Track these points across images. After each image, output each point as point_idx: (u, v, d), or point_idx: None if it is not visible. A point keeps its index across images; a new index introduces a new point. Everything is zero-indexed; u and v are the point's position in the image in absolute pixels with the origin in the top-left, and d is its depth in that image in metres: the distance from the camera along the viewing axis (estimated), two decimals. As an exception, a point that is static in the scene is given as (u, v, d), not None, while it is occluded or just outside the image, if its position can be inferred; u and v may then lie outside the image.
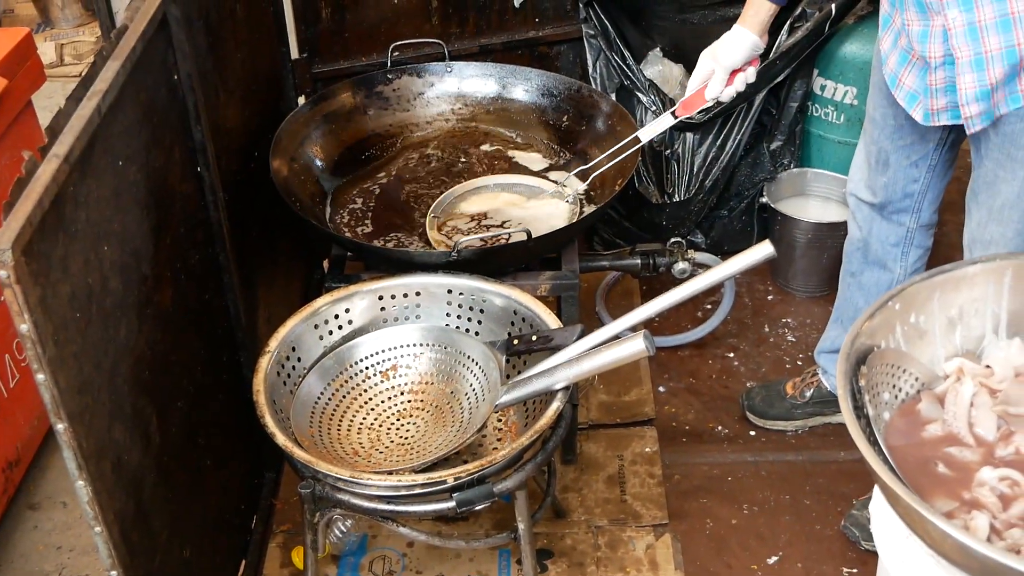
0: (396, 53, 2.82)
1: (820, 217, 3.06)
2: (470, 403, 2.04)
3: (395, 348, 2.13)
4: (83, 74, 1.61)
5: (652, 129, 2.42)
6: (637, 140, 2.43)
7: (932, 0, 1.90)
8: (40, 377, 1.38)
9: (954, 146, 2.21)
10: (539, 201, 2.46)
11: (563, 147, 2.67)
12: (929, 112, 2.01)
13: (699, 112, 2.95)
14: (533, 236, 2.19)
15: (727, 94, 2.29)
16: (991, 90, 1.90)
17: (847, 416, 1.47)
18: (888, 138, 2.21)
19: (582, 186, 2.47)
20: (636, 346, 1.81)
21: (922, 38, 1.95)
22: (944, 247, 3.05)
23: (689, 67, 3.10)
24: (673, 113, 2.36)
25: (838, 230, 2.87)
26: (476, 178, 2.54)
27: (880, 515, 1.62)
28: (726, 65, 2.25)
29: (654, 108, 2.95)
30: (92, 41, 4.65)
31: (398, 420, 2.06)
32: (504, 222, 2.40)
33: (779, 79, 2.97)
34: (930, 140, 2.18)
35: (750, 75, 2.27)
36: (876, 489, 1.64)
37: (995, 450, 1.58)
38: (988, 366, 1.69)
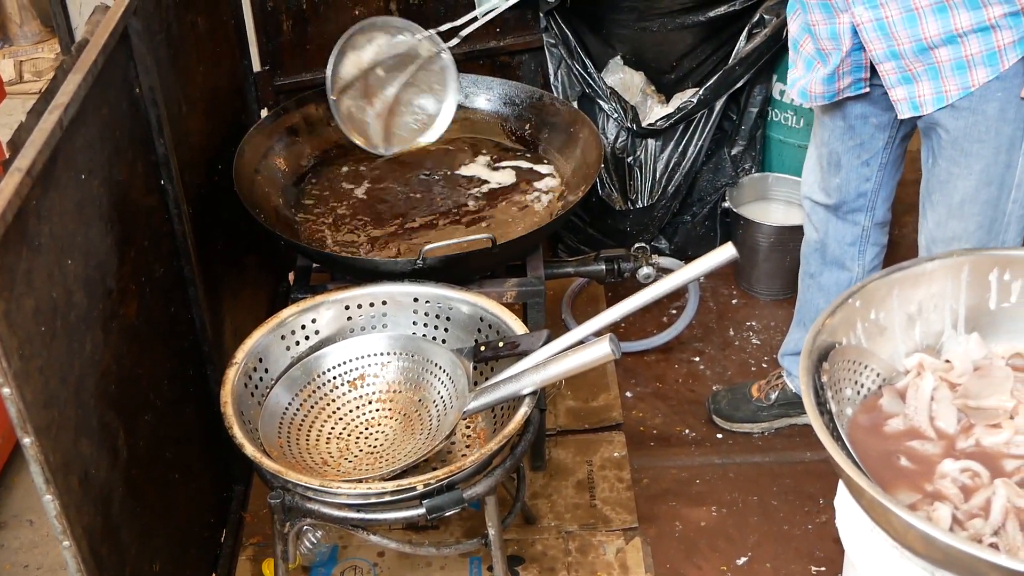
0: (358, 65, 2.83)
1: (782, 221, 3.09)
2: (438, 410, 2.05)
3: (362, 357, 2.14)
4: (43, 88, 1.61)
5: None
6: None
7: (838, 0, 1.97)
8: (6, 391, 1.38)
9: (903, 142, 2.25)
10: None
11: (525, 152, 2.69)
12: (835, 93, 2.07)
13: (660, 119, 2.98)
14: (497, 242, 2.20)
15: None
16: (912, 78, 1.97)
17: (810, 412, 1.49)
18: (838, 140, 2.25)
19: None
20: (602, 350, 1.82)
21: (831, 35, 2.01)
22: (904, 247, 3.10)
23: (650, 74, 3.14)
24: None
25: (800, 233, 2.87)
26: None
27: (845, 510, 1.64)
28: None
29: (616, 115, 2.97)
30: (51, 58, 4.63)
31: (367, 429, 2.07)
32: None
33: (739, 85, 3.00)
34: (879, 139, 2.22)
35: None
36: (840, 484, 1.66)
37: (956, 443, 1.61)
38: (947, 360, 1.72)
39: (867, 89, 2.09)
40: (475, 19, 2.56)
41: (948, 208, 2.08)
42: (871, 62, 2.03)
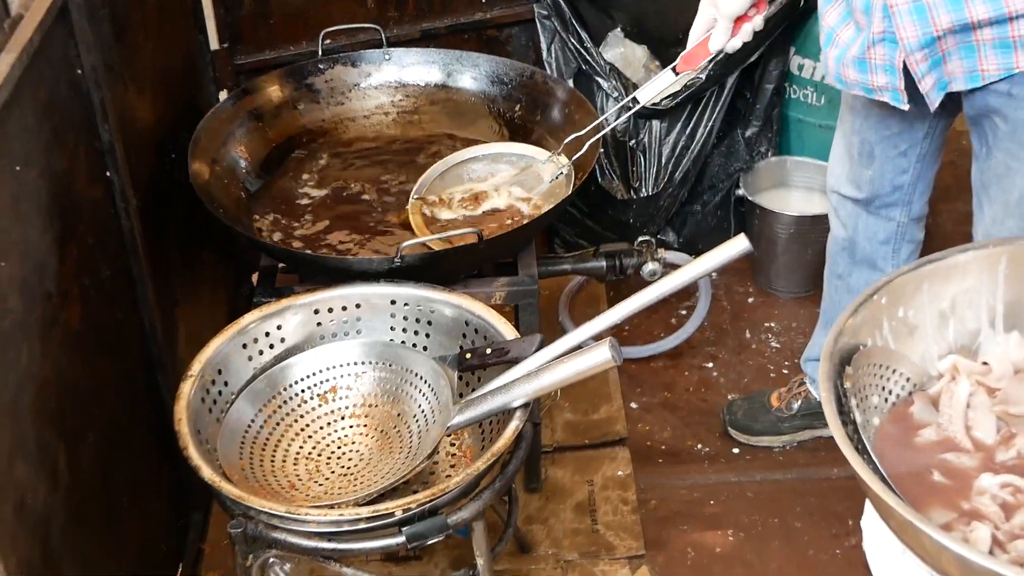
0: (328, 41, 2.83)
1: (803, 210, 3.10)
2: (419, 426, 2.05)
3: (334, 367, 2.14)
4: (-28, 69, 1.61)
5: (652, 89, 2.39)
6: (635, 102, 2.44)
7: None
8: (-70, 408, 1.38)
9: (945, 131, 2.25)
10: (533, 175, 2.49)
11: (513, 138, 2.70)
12: (871, 88, 2.05)
13: (665, 98, 2.98)
14: (484, 237, 2.20)
15: (732, 45, 2.23)
16: (942, 58, 1.95)
17: (832, 422, 1.49)
18: (871, 128, 2.25)
19: (565, 161, 2.48)
20: (601, 355, 1.82)
21: (865, 8, 2.00)
22: (937, 238, 3.10)
23: (653, 48, 3.14)
24: (674, 69, 2.30)
25: (822, 223, 2.90)
26: (456, 152, 2.58)
27: (873, 532, 1.64)
28: (728, 13, 2.18)
29: (616, 94, 2.98)
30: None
31: (339, 448, 2.07)
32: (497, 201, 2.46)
33: (752, 59, 3.01)
34: (918, 128, 2.21)
35: (757, 23, 2.20)
36: (867, 503, 1.66)
37: (995, 455, 1.61)
38: (985, 363, 1.72)
39: (906, 107, 2.06)
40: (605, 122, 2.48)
41: (1006, 205, 2.08)
42: (903, 62, 2.00)
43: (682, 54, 2.30)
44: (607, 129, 2.46)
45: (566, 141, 2.47)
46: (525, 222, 2.39)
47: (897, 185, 2.31)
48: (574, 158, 2.44)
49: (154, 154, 2.32)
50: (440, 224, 2.41)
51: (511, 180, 2.50)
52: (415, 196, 2.44)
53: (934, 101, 2.01)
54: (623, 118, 2.45)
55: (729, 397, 2.83)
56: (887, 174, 2.29)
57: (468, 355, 2.06)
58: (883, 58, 2.00)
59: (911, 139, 2.23)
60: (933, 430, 1.65)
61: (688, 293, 3.10)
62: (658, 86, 2.39)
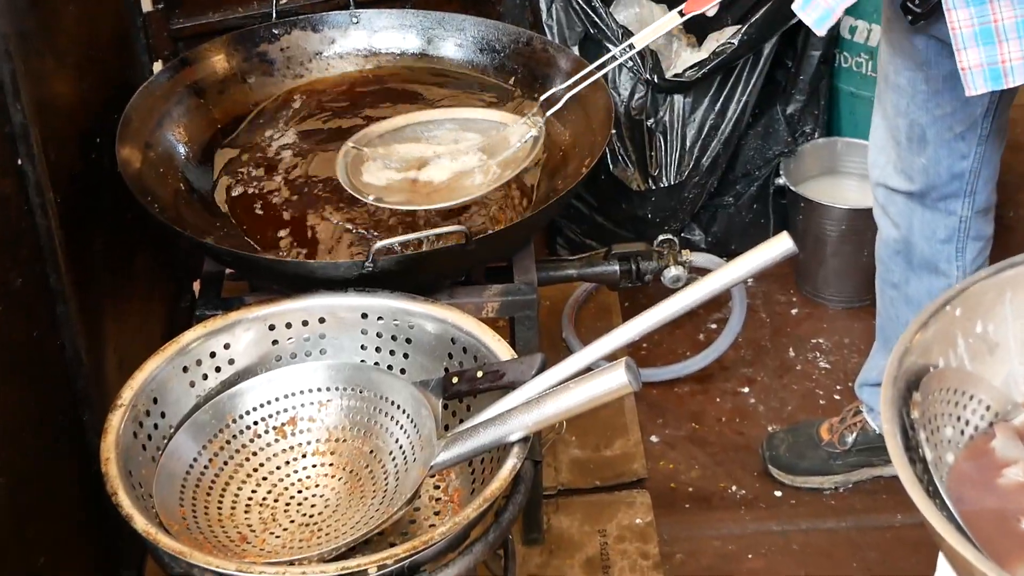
0: (284, 0, 2.83)
1: (857, 202, 3.10)
2: (396, 465, 2.05)
3: (293, 395, 2.13)
4: None
5: (651, 33, 2.39)
6: (631, 48, 2.43)
7: None
8: None
9: (1008, 107, 2.25)
10: (501, 140, 2.44)
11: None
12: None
13: (690, 68, 2.99)
14: (473, 236, 2.20)
15: None
16: (995, 33, 1.94)
17: (896, 459, 1.49)
18: (921, 107, 2.25)
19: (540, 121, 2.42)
20: (615, 380, 1.82)
21: None
22: (1019, 234, 3.11)
23: (673, 6, 3.13)
24: (680, 12, 2.31)
25: (880, 218, 2.92)
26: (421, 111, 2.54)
27: (947, 591, 1.64)
28: None
29: (631, 64, 2.98)
30: None
31: (300, 492, 2.06)
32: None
33: (794, 20, 3.01)
34: (976, 104, 2.21)
35: None
36: (940, 556, 1.66)
37: (1094, 498, 1.61)
38: (1082, 388, 1.72)
39: None
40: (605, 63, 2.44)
41: None
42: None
43: None
44: (593, 78, 2.40)
45: (544, 97, 2.44)
46: (522, 219, 2.38)
47: (956, 173, 2.31)
48: (549, 112, 2.41)
49: (76, 139, 2.31)
50: (359, 184, 2.35)
51: (473, 147, 2.46)
52: (352, 143, 2.41)
53: (973, 86, 1.99)
54: (613, 65, 2.43)
55: (769, 429, 2.83)
56: (944, 160, 2.30)
57: (455, 379, 2.05)
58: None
59: (968, 119, 2.24)
60: (1020, 468, 1.65)
61: (719, 303, 3.11)
62: (660, 29, 2.37)
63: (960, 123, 2.24)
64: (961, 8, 1.95)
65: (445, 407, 2.06)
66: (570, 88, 2.40)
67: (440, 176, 2.38)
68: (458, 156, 2.42)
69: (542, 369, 1.98)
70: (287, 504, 2.05)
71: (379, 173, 2.39)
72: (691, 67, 3.01)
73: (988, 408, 1.71)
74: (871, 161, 2.43)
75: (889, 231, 2.45)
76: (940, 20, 2.01)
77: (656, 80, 3.01)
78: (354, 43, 2.82)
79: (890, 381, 1.59)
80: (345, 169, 2.36)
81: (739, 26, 3.03)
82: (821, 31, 2.05)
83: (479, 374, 2.04)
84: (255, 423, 2.11)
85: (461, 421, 2.04)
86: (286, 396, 2.13)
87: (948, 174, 2.31)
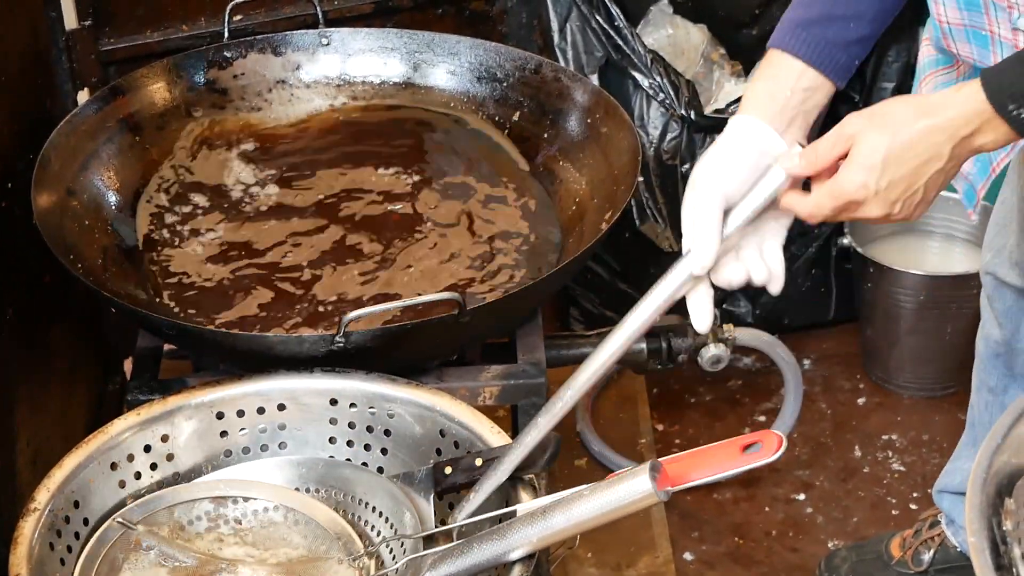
0: (238, 17, 2.86)
1: (939, 267, 3.11)
2: (371, 586, 2.04)
3: (246, 500, 2.13)
4: None
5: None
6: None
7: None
8: None
9: None
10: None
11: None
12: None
13: (733, 102, 3.00)
14: (467, 305, 2.20)
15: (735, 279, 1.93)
16: None
17: (984, 582, 1.49)
18: None
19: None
20: (637, 487, 1.82)
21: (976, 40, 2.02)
22: None
23: (716, 29, 3.16)
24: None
25: (968, 286, 2.91)
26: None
27: None
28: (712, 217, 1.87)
29: (662, 96, 3.00)
30: None
31: (251, 622, 2.06)
32: None
33: (862, 47, 3.04)
34: None
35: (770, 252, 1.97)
36: None
37: None
38: None
39: None
40: None
41: None
42: None
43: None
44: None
45: (376, 543, 2.06)
46: (528, 284, 2.39)
47: None
48: (395, 565, 2.01)
49: (-17, 183, 2.33)
50: None
51: (272, 568, 2.09)
52: (122, 518, 2.06)
53: None
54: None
55: (830, 545, 2.82)
56: None
57: (448, 470, 2.06)
58: None
59: None
60: None
61: (769, 391, 3.10)
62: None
63: None
64: None
65: (440, 497, 2.07)
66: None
67: None
68: (258, 574, 2.09)
69: (555, 454, 1.99)
70: (233, 640, 2.04)
71: (145, 572, 2.06)
72: (735, 101, 3.02)
73: (1097, 520, 1.72)
74: (987, 241, 2.43)
75: (992, 329, 2.46)
76: None
77: (693, 117, 3.01)
78: (324, 69, 2.84)
79: (978, 485, 1.59)
80: (96, 562, 2.02)
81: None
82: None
83: (478, 462, 2.04)
84: (198, 534, 2.10)
85: (454, 522, 2.04)
86: (234, 501, 2.13)
87: None
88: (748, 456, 1.85)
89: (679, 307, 2.95)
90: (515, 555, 1.91)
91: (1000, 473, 1.62)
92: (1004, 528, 1.59)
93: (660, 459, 1.86)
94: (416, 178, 2.70)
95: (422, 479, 2.07)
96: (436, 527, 2.05)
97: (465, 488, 2.06)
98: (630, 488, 1.83)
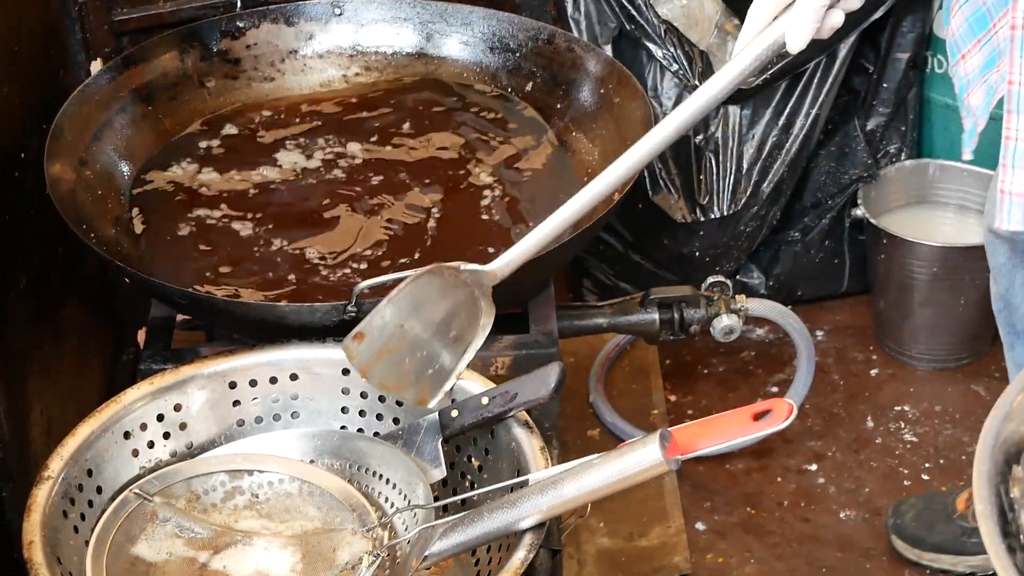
0: (249, -14, 2.87)
1: (953, 238, 3.11)
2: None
3: (260, 472, 2.14)
4: None
5: None
6: None
7: None
8: None
9: None
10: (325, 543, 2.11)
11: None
12: None
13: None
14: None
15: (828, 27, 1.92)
16: None
17: (992, 549, 1.50)
18: None
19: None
20: (647, 456, 1.82)
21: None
22: None
23: (730, -1, 3.17)
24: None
25: (982, 258, 2.90)
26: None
27: None
28: None
29: (676, 67, 3.00)
30: None
31: (263, 591, 2.07)
32: None
33: (876, 15, 3.03)
34: None
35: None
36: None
37: None
38: None
39: None
40: None
41: None
42: None
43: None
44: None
45: (390, 514, 2.09)
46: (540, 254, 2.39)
47: None
48: (408, 536, 2.00)
49: (-4, 154, 2.33)
50: (125, 559, 2.00)
51: (295, 541, 2.11)
52: (138, 489, 2.08)
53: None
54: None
55: (842, 515, 2.82)
56: None
57: (454, 413, 2.08)
58: None
59: None
60: None
61: (782, 362, 3.10)
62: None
63: None
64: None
65: (446, 442, 2.09)
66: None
67: (240, 572, 2.08)
68: (272, 545, 2.11)
69: (562, 383, 2.01)
70: (250, 606, 2.05)
71: (162, 543, 2.08)
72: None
73: (1107, 488, 1.72)
74: (988, 196, 2.43)
75: (992, 284, 2.47)
76: None
77: (706, 88, 3.02)
78: (336, 40, 2.85)
79: (986, 452, 1.59)
80: (111, 532, 2.04)
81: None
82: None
83: (484, 400, 2.06)
84: (212, 505, 2.12)
85: (456, 492, 2.05)
86: (250, 474, 2.14)
87: None
88: (759, 424, 1.85)
89: (694, 278, 2.96)
90: (526, 524, 1.92)
91: (1009, 441, 1.62)
92: (1012, 495, 1.60)
93: (671, 428, 1.87)
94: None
95: (428, 428, 2.09)
96: (446, 496, 2.06)
97: (474, 428, 2.08)
98: (640, 457, 1.84)
